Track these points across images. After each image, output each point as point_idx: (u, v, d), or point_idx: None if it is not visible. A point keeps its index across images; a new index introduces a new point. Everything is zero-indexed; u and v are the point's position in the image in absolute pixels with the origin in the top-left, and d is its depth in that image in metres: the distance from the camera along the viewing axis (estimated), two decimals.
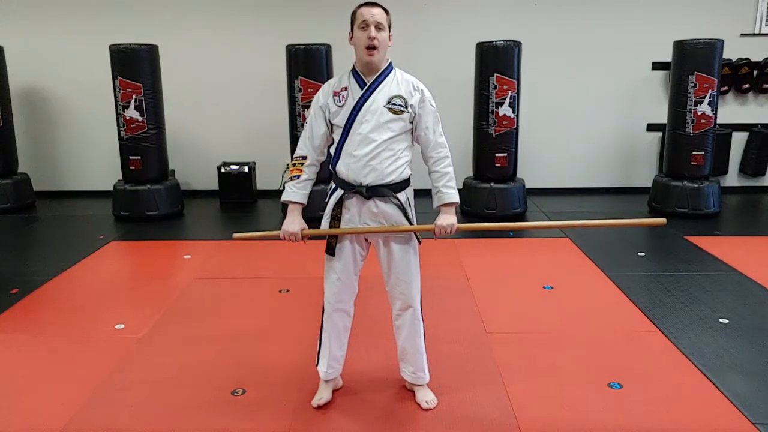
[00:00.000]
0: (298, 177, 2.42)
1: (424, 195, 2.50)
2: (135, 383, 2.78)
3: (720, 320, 3.42)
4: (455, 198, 2.42)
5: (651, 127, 6.70)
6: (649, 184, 6.19)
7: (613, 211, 6.14)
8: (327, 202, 2.45)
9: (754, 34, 6.47)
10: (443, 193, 2.41)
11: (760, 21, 6.45)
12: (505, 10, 6.44)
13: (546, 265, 4.39)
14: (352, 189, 2.35)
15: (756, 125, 6.64)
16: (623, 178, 6.85)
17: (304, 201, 2.44)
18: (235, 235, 2.59)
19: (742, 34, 6.46)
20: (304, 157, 2.42)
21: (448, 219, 2.40)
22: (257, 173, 6.64)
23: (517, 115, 5.72)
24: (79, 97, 6.65)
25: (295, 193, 2.42)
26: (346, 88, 2.36)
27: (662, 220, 2.52)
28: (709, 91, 5.59)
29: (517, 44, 5.61)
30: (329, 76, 5.51)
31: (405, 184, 2.40)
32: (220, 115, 6.67)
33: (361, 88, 2.34)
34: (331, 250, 2.44)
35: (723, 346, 3.11)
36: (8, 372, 2.90)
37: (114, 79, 5.63)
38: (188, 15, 6.49)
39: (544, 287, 3.95)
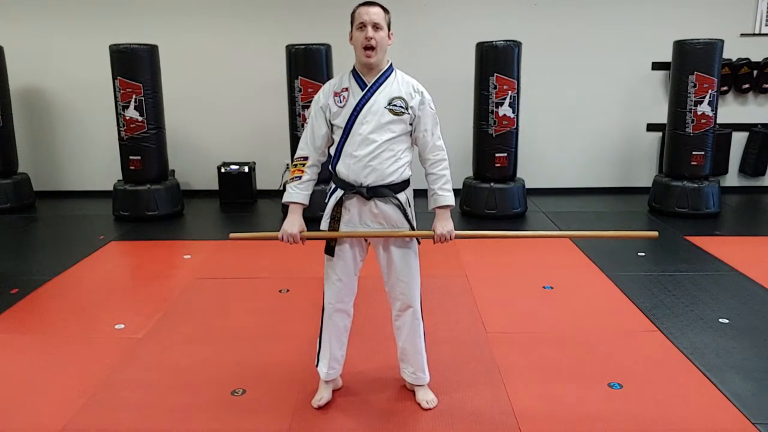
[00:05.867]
0: (300, 178, 2.41)
1: (424, 195, 2.50)
2: (135, 383, 2.78)
3: (720, 320, 3.42)
4: (450, 201, 2.42)
5: (651, 127, 6.70)
6: (649, 184, 6.19)
7: (613, 211, 6.15)
8: (327, 203, 2.45)
9: (754, 34, 6.47)
10: (439, 196, 2.41)
11: (760, 21, 6.45)
12: (505, 10, 6.44)
13: (546, 265, 4.39)
14: (352, 189, 2.34)
15: (756, 125, 6.64)
16: (623, 178, 6.85)
17: (306, 202, 2.44)
18: (232, 235, 2.58)
19: (742, 34, 6.46)
20: (306, 158, 2.42)
21: (445, 225, 2.40)
22: (257, 173, 6.65)
23: (517, 115, 5.72)
24: (79, 97, 6.65)
25: (297, 193, 2.41)
26: (346, 89, 2.36)
27: (654, 233, 2.64)
28: (709, 91, 5.60)
29: (517, 44, 5.61)
30: (329, 76, 5.51)
31: (405, 184, 2.40)
32: (220, 115, 6.67)
33: (362, 89, 2.34)
34: (330, 251, 2.44)
35: (723, 346, 3.11)
36: (8, 372, 2.90)
37: (114, 79, 5.63)
38: (188, 15, 6.49)
39: (544, 287, 3.95)
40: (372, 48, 2.27)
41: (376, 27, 2.27)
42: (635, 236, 2.97)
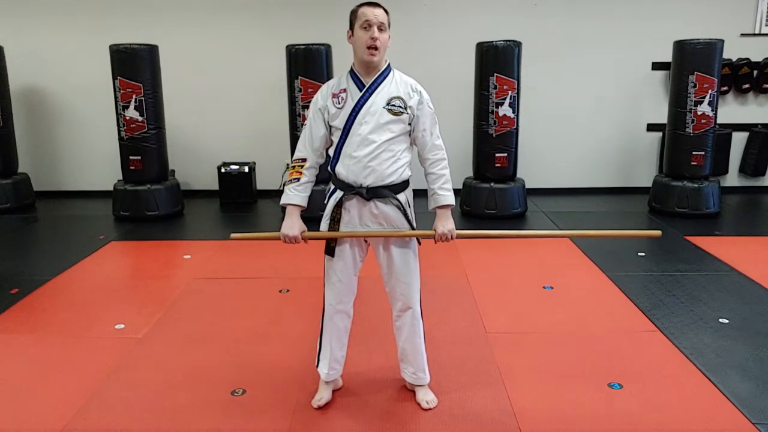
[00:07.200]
0: (298, 179, 2.40)
1: (424, 195, 2.50)
2: (135, 383, 2.78)
3: (720, 320, 3.42)
4: (451, 200, 2.42)
5: (651, 127, 6.70)
6: (649, 184, 6.19)
7: (613, 211, 6.14)
8: (326, 204, 2.44)
9: (754, 34, 6.47)
10: (439, 196, 2.41)
11: (760, 21, 6.45)
12: (505, 10, 6.44)
13: (546, 265, 4.39)
14: (352, 190, 2.34)
15: (756, 125, 6.64)
16: (623, 178, 6.85)
17: (304, 204, 2.43)
18: (233, 235, 2.57)
19: (742, 34, 6.46)
20: (304, 160, 2.41)
21: (446, 224, 2.40)
22: (257, 173, 6.64)
23: (517, 115, 5.72)
24: (79, 97, 6.65)
25: (296, 195, 2.40)
26: (344, 90, 2.35)
27: (657, 232, 2.63)
28: (709, 91, 5.59)
29: (517, 44, 5.61)
30: (329, 76, 5.51)
31: (405, 185, 2.40)
32: (220, 115, 6.67)
33: (360, 90, 2.33)
34: (330, 252, 2.44)
35: (723, 346, 3.11)
36: (8, 372, 2.90)
37: (114, 79, 5.63)
38: (188, 15, 6.49)
39: (544, 287, 3.95)
40: (376, 48, 2.27)
41: (380, 28, 2.27)
42: (638, 235, 2.97)
